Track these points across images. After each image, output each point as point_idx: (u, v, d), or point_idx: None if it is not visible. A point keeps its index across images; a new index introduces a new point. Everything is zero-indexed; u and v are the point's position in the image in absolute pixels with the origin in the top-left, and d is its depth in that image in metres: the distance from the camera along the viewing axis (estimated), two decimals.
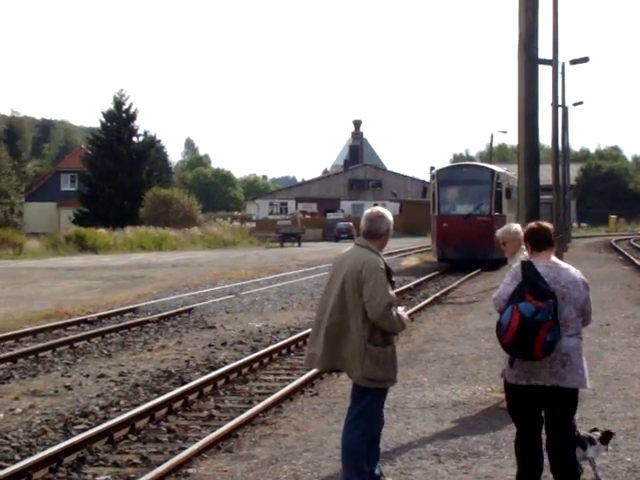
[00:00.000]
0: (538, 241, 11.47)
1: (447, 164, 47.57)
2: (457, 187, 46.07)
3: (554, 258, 11.62)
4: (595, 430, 11.95)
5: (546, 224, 12.02)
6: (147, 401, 17.49)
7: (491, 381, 14.62)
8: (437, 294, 35.44)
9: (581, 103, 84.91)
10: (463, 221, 44.33)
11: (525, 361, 11.04)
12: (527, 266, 11.08)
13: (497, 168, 48.44)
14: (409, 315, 12.03)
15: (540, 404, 11.28)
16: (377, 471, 11.60)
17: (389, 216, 11.58)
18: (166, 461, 13.42)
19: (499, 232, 12.41)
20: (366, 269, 10.91)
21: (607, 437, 11.95)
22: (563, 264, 11.85)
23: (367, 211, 11.80)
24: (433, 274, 44.89)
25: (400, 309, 11.34)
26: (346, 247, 12.95)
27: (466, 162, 45.76)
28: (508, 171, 51.89)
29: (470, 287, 38.76)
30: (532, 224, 11.80)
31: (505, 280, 11.25)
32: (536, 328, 10.66)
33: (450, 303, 34.06)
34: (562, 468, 11.09)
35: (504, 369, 11.53)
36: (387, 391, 11.64)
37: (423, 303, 32.91)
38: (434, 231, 47.57)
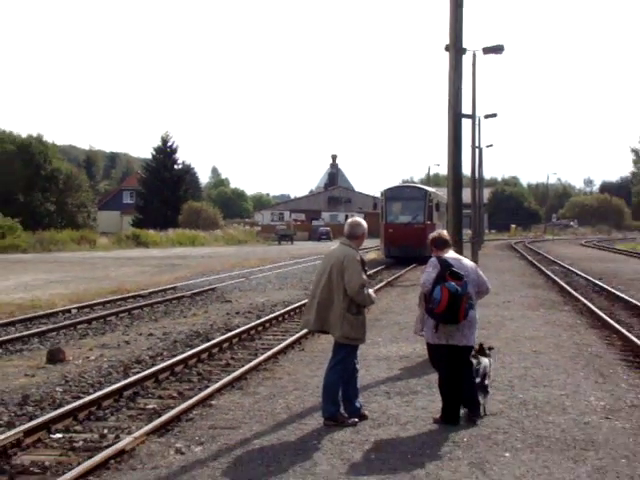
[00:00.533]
0: (441, 244, 12.47)
1: (393, 185, 48.57)
2: (399, 202, 47.81)
3: (453, 253, 12.49)
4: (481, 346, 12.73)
5: (444, 233, 13.34)
6: (182, 353, 17.58)
7: (408, 340, 14.81)
8: (389, 279, 35.37)
9: (491, 145, 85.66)
10: (404, 228, 45.94)
11: (445, 326, 11.67)
12: (443, 259, 11.93)
13: (429, 188, 50.47)
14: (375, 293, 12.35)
15: (454, 357, 11.69)
16: (357, 404, 12.17)
17: (364, 224, 12.43)
18: (195, 395, 13.64)
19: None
20: (347, 260, 11.63)
21: (489, 348, 12.94)
22: (460, 256, 12.96)
23: (349, 220, 12.84)
24: (385, 265, 45.38)
25: (370, 290, 12.06)
26: (330, 245, 13.41)
27: (406, 184, 46.49)
28: (438, 191, 54.29)
29: (411, 275, 38.66)
30: (434, 234, 12.93)
31: (427, 270, 11.94)
32: (459, 299, 11.40)
33: (398, 286, 34.06)
34: (469, 397, 11.95)
35: (416, 328, 12.62)
36: (358, 348, 12.23)
37: (379, 285, 32.86)
38: (382, 235, 48.46)
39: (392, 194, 48.51)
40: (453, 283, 11.65)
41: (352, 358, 12.09)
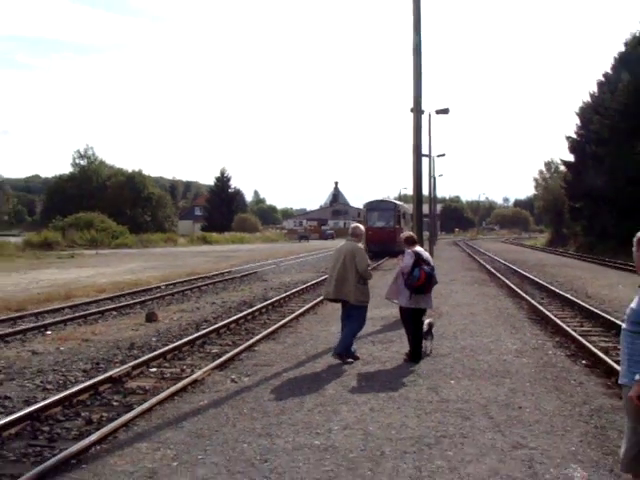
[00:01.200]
0: (412, 241, 12.47)
1: (372, 200, 49.53)
2: (376, 212, 48.65)
3: (419, 247, 12.61)
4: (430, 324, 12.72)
5: (412, 234, 13.36)
6: (234, 315, 17.49)
7: (385, 306, 14.80)
8: (374, 265, 34.16)
9: (442, 175, 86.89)
10: (379, 230, 46.22)
11: (417, 295, 11.83)
12: (416, 252, 11.99)
13: (398, 202, 53.33)
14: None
15: (418, 316, 11.80)
16: (353, 349, 12.26)
17: (362, 227, 12.81)
18: (244, 344, 13.62)
19: (402, 236, 12.73)
20: (356, 250, 12.02)
21: (430, 326, 12.73)
22: (423, 249, 12.82)
23: (352, 224, 13.51)
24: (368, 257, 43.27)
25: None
26: (334, 243, 13.34)
27: (381, 199, 47.59)
28: (404, 204, 55.59)
29: (387, 263, 38.30)
30: (407, 234, 12.84)
31: (406, 258, 11.96)
32: (432, 277, 11.83)
33: (379, 270, 33.85)
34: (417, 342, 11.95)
35: (387, 295, 12.96)
36: (367, 308, 12.35)
37: None
38: (364, 235, 48.80)
39: (371, 206, 49.72)
40: (427, 267, 11.85)
41: (363, 316, 12.28)
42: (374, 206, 49.62)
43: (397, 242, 41.08)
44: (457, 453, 7.20)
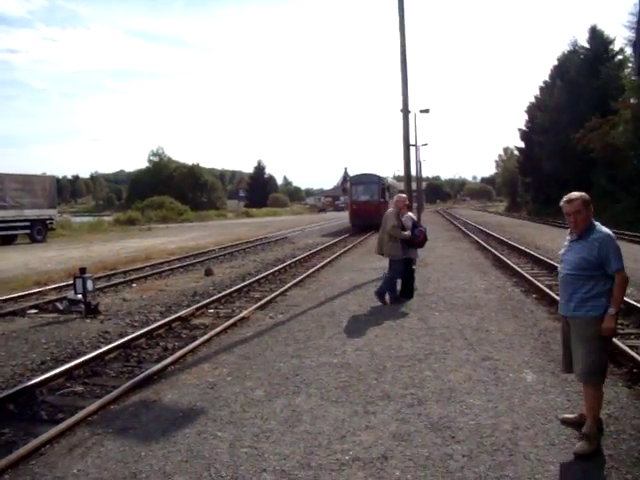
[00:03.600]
0: (408, 208, 11.99)
1: (356, 174, 40.87)
2: (361, 185, 38.15)
3: (410, 213, 12.19)
4: None
5: (407, 202, 12.46)
6: (271, 269, 17.52)
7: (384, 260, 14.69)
8: (359, 239, 33.63)
9: (425, 160, 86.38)
10: (364, 204, 36.75)
11: (411, 248, 11.90)
12: (411, 217, 11.70)
13: (382, 175, 40.00)
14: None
15: (409, 263, 11.69)
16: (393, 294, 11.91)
17: (402, 197, 11.99)
18: (278, 289, 13.64)
19: (399, 199, 12.35)
20: (387, 215, 11.63)
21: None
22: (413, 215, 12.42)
23: (396, 196, 12.27)
24: (350, 233, 37.11)
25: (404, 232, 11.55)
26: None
27: (365, 172, 39.02)
28: (389, 178, 44.05)
29: (373, 236, 37.94)
30: (401, 199, 11.96)
31: (407, 223, 11.55)
32: (426, 235, 11.80)
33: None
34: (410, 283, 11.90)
35: (376, 250, 12.15)
36: (400, 261, 11.68)
37: (360, 239, 31.63)
38: (349, 209, 39.55)
39: (355, 180, 39.07)
40: (422, 228, 11.84)
41: (396, 268, 11.68)
42: (358, 180, 39.24)
43: (382, 215, 36.51)
44: (441, 365, 7.19)
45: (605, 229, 4.92)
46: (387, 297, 11.69)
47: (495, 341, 8.28)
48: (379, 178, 38.47)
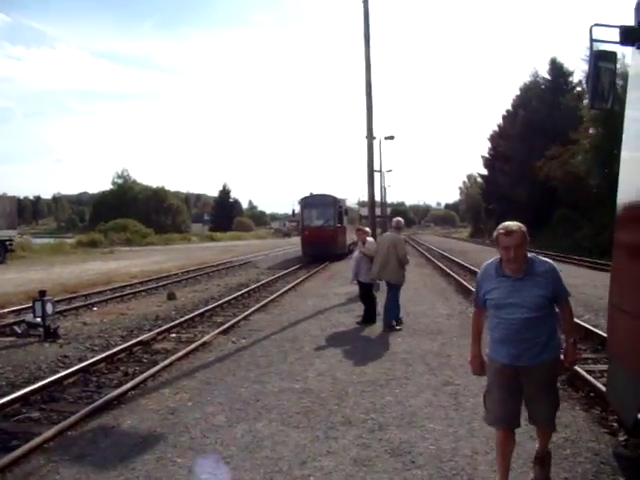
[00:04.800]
0: (365, 234, 12.01)
1: (308, 194, 34.38)
2: (314, 209, 32.84)
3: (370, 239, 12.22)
4: None
5: (367, 229, 12.92)
6: (235, 293, 17.46)
7: (351, 285, 14.69)
8: (312, 272, 33.14)
9: (390, 185, 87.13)
10: (317, 230, 31.66)
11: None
12: (373, 243, 11.76)
13: (338, 196, 34.00)
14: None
15: (371, 290, 11.76)
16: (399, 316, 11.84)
17: (402, 220, 11.93)
18: (241, 314, 13.59)
19: (359, 230, 12.47)
20: (397, 240, 11.33)
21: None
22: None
23: (395, 219, 12.01)
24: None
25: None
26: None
27: (319, 193, 34.60)
28: (347, 200, 37.23)
29: (337, 263, 37.89)
30: (365, 228, 12.36)
31: (370, 245, 11.66)
32: None
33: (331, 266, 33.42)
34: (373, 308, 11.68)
35: (352, 279, 12.38)
36: (400, 288, 11.71)
37: (324, 264, 31.06)
38: (300, 236, 34.07)
39: (307, 202, 33.31)
40: None
41: (397, 294, 11.52)
42: (311, 201, 33.45)
43: (338, 243, 32.36)
44: (402, 391, 7.23)
45: (545, 259, 4.36)
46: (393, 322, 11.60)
47: (456, 366, 8.34)
48: (335, 200, 33.30)
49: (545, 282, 4.19)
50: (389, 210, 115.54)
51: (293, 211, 35.66)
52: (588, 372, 7.73)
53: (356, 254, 12.17)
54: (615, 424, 5.94)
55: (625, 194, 4.92)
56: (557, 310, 4.40)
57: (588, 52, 4.93)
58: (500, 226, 4.25)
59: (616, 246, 5.15)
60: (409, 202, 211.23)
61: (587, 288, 16.74)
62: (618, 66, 5.42)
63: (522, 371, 4.30)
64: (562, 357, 4.46)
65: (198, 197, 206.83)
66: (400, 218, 12.15)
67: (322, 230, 31.62)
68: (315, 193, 34.10)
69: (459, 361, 8.62)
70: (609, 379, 5.65)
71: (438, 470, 5.00)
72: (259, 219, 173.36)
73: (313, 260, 30.22)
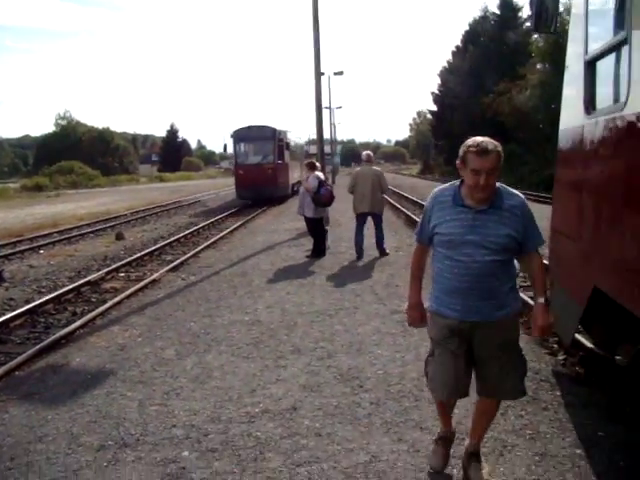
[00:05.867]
0: (313, 167, 12.12)
1: (242, 126, 28.08)
2: (249, 143, 27.70)
3: (318, 172, 12.20)
4: None
5: (312, 160, 13.00)
6: (184, 232, 17.35)
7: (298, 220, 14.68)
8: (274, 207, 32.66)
9: (340, 123, 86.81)
10: (254, 169, 26.55)
11: (321, 208, 11.87)
12: (317, 175, 11.70)
13: (278, 127, 28.26)
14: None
15: (320, 224, 11.90)
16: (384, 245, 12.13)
17: (371, 154, 12.08)
18: (190, 252, 13.53)
19: (306, 162, 12.48)
20: (381, 173, 11.52)
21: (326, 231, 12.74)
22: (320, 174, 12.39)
23: (364, 153, 12.04)
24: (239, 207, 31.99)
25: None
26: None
27: (255, 124, 27.35)
28: (290, 131, 32.07)
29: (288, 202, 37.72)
30: (308, 161, 12.66)
31: (312, 181, 11.59)
32: (332, 194, 11.87)
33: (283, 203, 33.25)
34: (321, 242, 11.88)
35: (298, 212, 12.25)
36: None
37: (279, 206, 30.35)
38: (235, 177, 28.41)
39: (241, 135, 27.65)
40: (329, 187, 11.86)
41: (381, 221, 11.95)
42: (245, 135, 27.72)
43: (279, 184, 27.87)
44: (351, 320, 7.32)
45: (514, 190, 3.44)
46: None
47: (404, 295, 8.38)
48: (274, 131, 27.78)
49: (514, 219, 3.27)
50: (339, 148, 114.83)
51: (224, 146, 29.61)
52: (532, 298, 7.91)
53: (302, 188, 12.16)
54: (555, 345, 6.13)
55: (564, 128, 5.08)
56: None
57: None
58: (470, 141, 3.32)
59: (557, 176, 5.35)
60: (359, 139, 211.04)
61: (542, 221, 17.07)
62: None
63: (478, 329, 3.37)
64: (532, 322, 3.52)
65: (145, 138, 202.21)
66: (370, 152, 12.26)
67: (260, 168, 26.80)
68: (251, 124, 28.20)
69: (407, 290, 8.72)
70: (550, 301, 5.81)
71: (386, 393, 5.10)
72: (209, 159, 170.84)
73: (253, 203, 26.95)
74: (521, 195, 3.40)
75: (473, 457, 3.76)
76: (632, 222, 3.44)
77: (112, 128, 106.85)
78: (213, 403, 5.02)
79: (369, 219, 11.89)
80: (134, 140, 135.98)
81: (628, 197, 3.53)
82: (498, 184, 3.31)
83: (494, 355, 3.43)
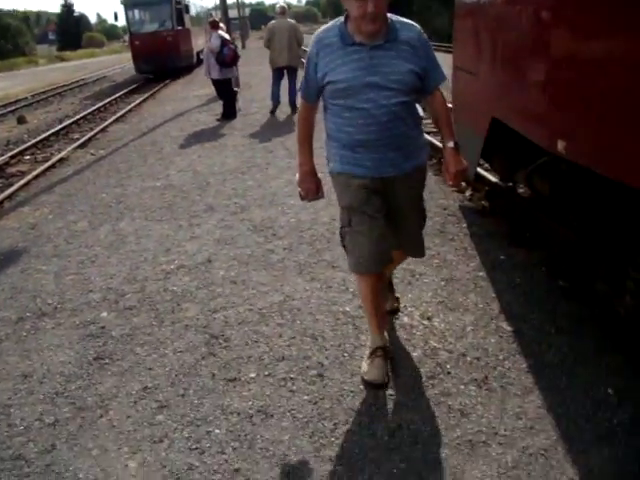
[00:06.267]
0: (216, 25, 11.68)
1: None
2: (142, 9, 24.33)
3: (222, 32, 11.70)
4: None
5: (214, 19, 12.26)
6: (90, 109, 16.55)
7: (209, 86, 14.25)
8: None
9: None
10: (151, 38, 23.42)
11: (227, 68, 11.47)
12: (220, 35, 11.48)
13: None
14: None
15: (228, 85, 11.63)
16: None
17: (285, 6, 11.48)
18: (98, 127, 13.01)
19: (207, 21, 11.95)
20: (295, 25, 11.21)
21: (237, 93, 12.85)
22: (225, 33, 11.93)
23: (279, 5, 11.50)
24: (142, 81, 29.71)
25: None
26: None
27: None
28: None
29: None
30: (211, 19, 12.10)
31: (214, 41, 11.27)
32: (237, 54, 11.58)
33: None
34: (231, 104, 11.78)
35: (205, 72, 11.92)
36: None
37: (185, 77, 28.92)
38: (130, 49, 24.86)
39: (133, 0, 23.97)
40: (232, 45, 11.46)
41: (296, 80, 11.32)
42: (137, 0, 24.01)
43: (182, 53, 25.09)
44: (263, 175, 7.36)
45: (408, 20, 2.88)
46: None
47: (316, 147, 8.48)
48: None
49: (414, 53, 2.76)
50: (248, 11, 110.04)
51: (115, 15, 26.48)
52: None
53: (206, 49, 11.74)
54: (464, 183, 6.34)
55: None
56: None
57: None
58: None
59: (455, 18, 5.54)
60: (268, 1, 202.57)
61: (446, 69, 17.04)
62: None
63: (391, 184, 2.95)
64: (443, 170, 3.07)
65: (38, 15, 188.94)
66: (284, 4, 11.64)
67: (158, 37, 23.72)
68: None
69: (319, 143, 8.75)
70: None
71: (299, 238, 5.25)
72: (111, 33, 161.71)
73: (154, 78, 24.01)
74: (416, 25, 2.85)
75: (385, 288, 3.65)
76: (526, 54, 3.64)
77: None
78: (129, 266, 5.06)
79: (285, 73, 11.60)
80: (26, 19, 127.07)
81: (525, 30, 3.71)
82: (389, 14, 2.75)
83: (407, 212, 3.12)
